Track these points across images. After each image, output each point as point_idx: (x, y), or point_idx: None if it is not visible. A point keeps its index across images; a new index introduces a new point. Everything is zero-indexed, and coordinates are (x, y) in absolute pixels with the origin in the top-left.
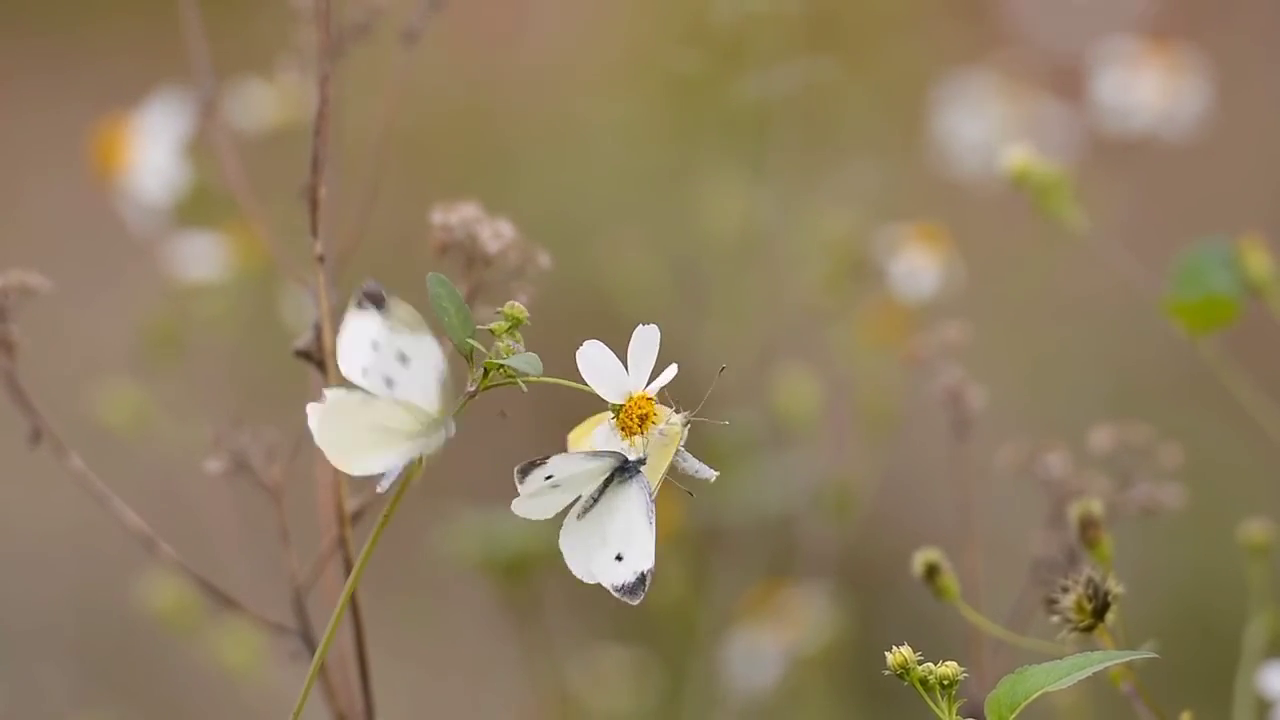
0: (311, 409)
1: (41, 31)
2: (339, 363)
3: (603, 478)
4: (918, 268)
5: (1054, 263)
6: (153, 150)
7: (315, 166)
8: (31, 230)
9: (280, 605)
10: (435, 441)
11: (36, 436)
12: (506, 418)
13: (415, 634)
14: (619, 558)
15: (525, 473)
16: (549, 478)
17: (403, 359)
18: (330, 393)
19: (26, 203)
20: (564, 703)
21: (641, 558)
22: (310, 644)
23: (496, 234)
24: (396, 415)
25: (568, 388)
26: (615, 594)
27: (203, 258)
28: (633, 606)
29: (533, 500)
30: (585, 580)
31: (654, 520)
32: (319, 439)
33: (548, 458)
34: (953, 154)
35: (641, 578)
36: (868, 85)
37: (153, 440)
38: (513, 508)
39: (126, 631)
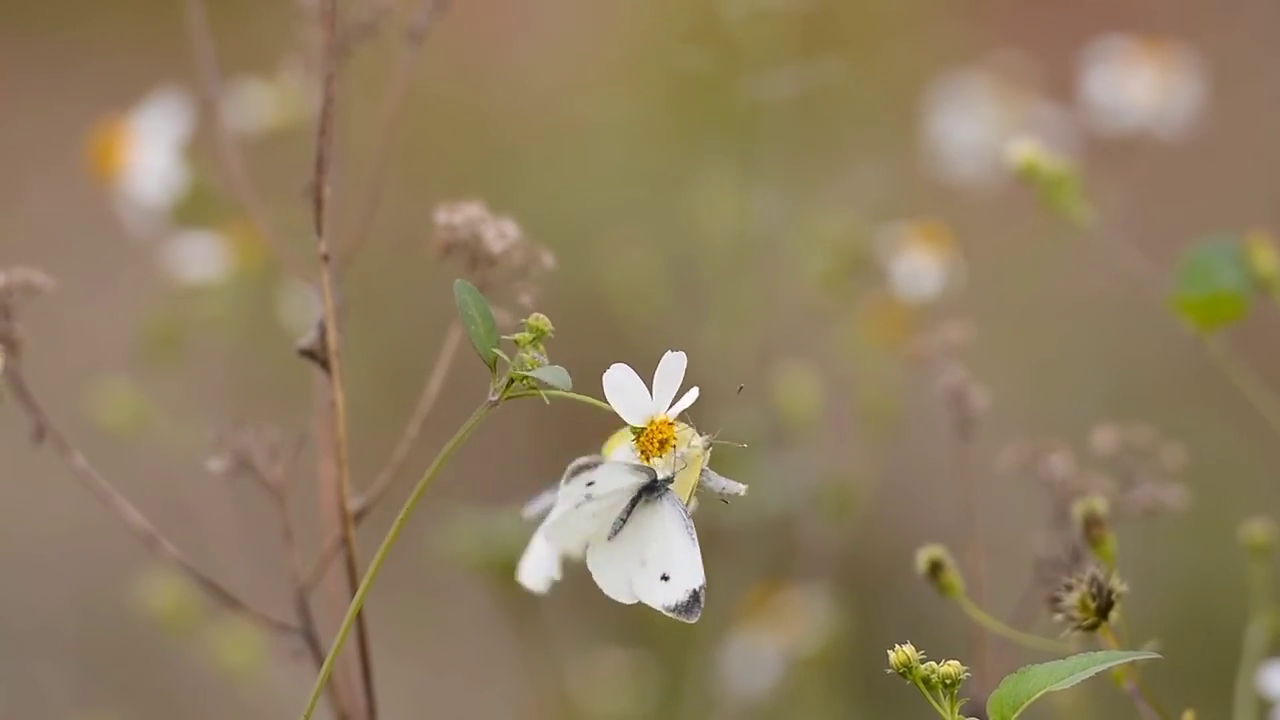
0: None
1: (41, 30)
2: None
3: (630, 498)
4: (921, 267)
5: (1055, 262)
6: (150, 151)
7: (320, 165)
8: (31, 229)
9: (282, 605)
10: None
11: (40, 435)
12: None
13: (415, 634)
14: (665, 578)
15: (574, 474)
16: (590, 484)
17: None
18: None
19: (26, 202)
20: (564, 703)
21: (691, 576)
22: (313, 643)
23: (501, 234)
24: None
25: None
26: (669, 614)
27: (202, 258)
28: (632, 607)
29: (563, 523)
30: (621, 600)
31: (694, 536)
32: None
33: (597, 463)
34: (948, 155)
35: (695, 595)
36: (868, 85)
37: (154, 440)
38: (542, 533)
39: (126, 631)
